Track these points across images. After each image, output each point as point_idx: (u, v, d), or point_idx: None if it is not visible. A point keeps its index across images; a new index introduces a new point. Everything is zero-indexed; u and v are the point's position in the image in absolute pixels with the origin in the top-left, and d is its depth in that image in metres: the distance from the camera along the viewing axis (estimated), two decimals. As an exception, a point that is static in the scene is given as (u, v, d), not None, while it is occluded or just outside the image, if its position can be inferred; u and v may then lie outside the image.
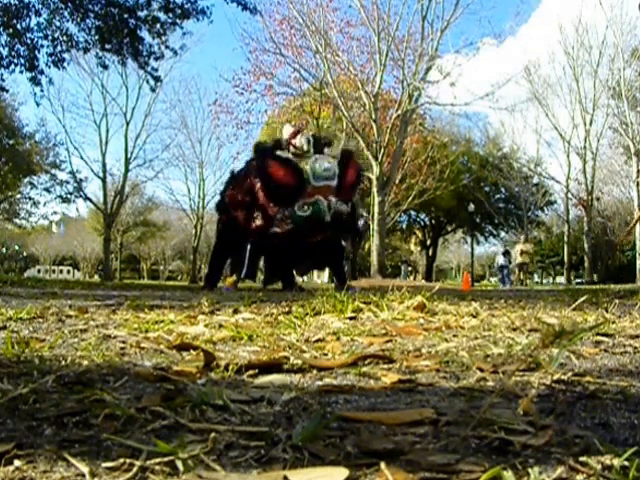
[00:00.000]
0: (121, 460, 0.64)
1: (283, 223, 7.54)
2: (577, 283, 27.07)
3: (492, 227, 40.49)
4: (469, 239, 33.77)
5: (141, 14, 12.84)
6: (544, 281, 46.03)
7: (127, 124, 32.25)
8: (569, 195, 30.90)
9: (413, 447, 0.70)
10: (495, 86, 21.89)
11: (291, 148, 7.98)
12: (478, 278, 44.29)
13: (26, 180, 32.01)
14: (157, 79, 14.48)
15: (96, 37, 12.93)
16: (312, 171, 7.52)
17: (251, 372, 1.18)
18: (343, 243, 8.85)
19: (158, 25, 13.06)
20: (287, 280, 8.43)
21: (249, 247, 8.12)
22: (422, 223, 41.80)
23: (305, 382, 1.12)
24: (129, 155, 32.32)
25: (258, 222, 7.85)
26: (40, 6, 12.52)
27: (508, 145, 35.36)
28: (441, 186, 27.85)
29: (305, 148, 7.89)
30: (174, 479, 0.60)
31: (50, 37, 12.87)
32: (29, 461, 0.64)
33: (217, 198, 9.85)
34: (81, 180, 32.29)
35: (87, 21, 12.80)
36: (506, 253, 21.77)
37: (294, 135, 8.13)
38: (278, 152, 7.80)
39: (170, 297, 4.72)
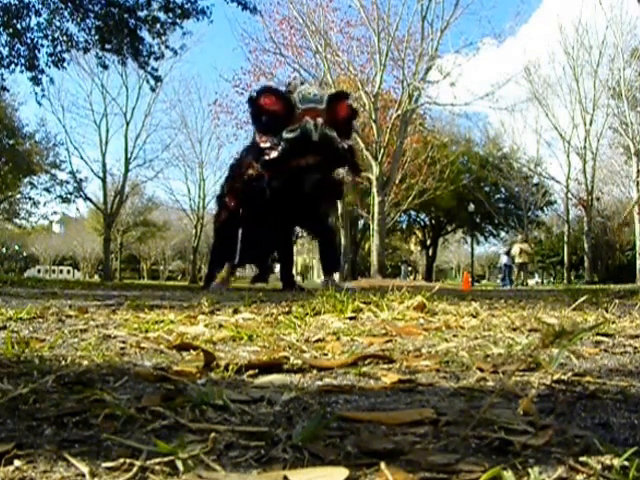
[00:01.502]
0: (121, 460, 0.63)
1: (272, 150, 7.53)
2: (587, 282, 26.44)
3: (492, 227, 40.49)
4: (469, 239, 33.79)
5: (141, 14, 12.83)
6: (545, 281, 45.91)
7: (127, 124, 32.33)
8: (569, 195, 30.88)
9: (413, 447, 0.70)
10: (495, 86, 21.93)
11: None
12: (478, 279, 44.30)
13: (26, 180, 31.99)
14: (157, 79, 14.48)
15: (96, 37, 12.93)
16: (299, 95, 7.54)
17: (251, 372, 1.18)
18: (330, 220, 8.72)
19: (158, 25, 13.05)
20: (287, 280, 8.43)
21: (240, 231, 8.01)
22: (422, 223, 41.79)
23: (305, 382, 1.12)
24: (129, 155, 32.39)
25: (251, 171, 7.76)
26: (40, 6, 12.53)
27: (508, 145, 35.39)
28: (441, 186, 27.82)
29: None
30: (174, 479, 0.60)
31: (50, 37, 12.87)
32: (29, 461, 0.64)
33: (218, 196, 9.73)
34: (81, 180, 32.36)
35: (87, 21, 12.80)
36: (510, 252, 21.65)
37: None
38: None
39: (170, 297, 4.71)
